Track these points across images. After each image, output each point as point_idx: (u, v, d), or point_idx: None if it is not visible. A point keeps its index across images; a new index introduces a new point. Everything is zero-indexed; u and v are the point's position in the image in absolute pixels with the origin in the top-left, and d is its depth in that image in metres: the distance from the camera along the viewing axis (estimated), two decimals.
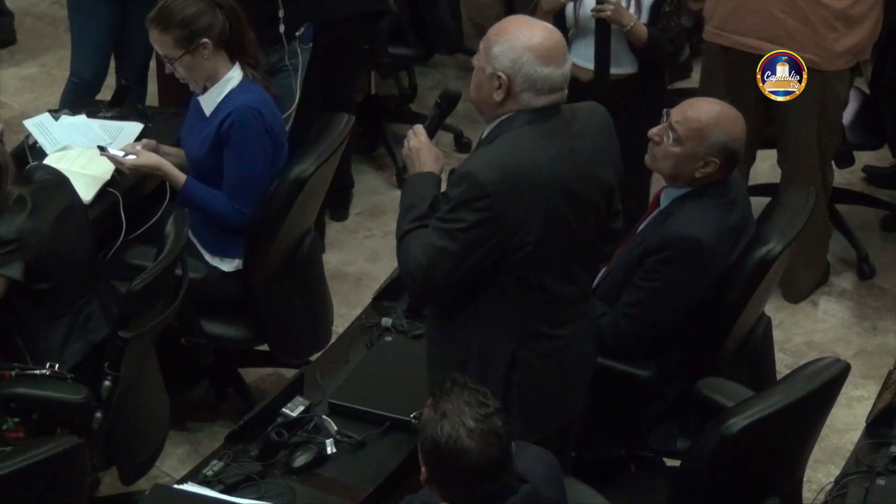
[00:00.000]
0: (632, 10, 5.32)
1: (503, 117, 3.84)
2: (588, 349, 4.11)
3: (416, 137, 3.99)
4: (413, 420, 4.03)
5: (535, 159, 3.79)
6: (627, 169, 4.10)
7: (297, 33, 5.45)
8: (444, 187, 3.92)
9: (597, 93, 4.87)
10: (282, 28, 5.36)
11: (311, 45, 5.58)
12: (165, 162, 4.89)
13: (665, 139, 4.33)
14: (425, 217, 3.85)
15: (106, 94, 5.90)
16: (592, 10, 5.25)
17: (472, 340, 3.92)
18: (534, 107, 3.81)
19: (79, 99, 5.81)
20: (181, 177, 4.86)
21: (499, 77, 3.79)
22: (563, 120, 3.87)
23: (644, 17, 5.35)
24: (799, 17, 5.42)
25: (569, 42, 4.98)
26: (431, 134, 4.03)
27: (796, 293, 5.90)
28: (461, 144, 6.83)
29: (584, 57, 5.31)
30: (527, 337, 3.92)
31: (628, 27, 5.28)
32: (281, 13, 5.35)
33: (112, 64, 6.19)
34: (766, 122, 5.73)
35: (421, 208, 3.87)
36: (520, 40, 3.79)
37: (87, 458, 3.91)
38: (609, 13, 5.24)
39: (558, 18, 5.27)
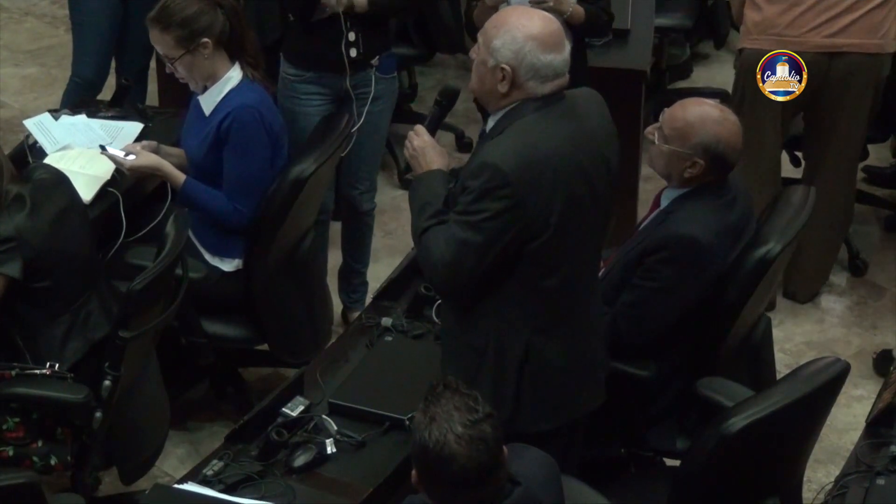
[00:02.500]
0: None
1: (509, 107, 3.84)
2: (598, 342, 4.10)
3: (420, 137, 3.99)
4: (407, 421, 4.03)
5: (552, 143, 3.80)
6: None
7: (373, 62, 5.28)
8: None
9: None
10: (353, 53, 5.20)
11: (394, 75, 5.43)
12: (165, 162, 4.88)
13: (656, 138, 4.34)
14: (442, 213, 3.85)
15: (106, 94, 5.91)
16: (532, 3, 5.16)
17: (490, 330, 3.92)
18: (540, 94, 3.82)
19: (80, 99, 5.82)
20: (180, 177, 4.86)
21: (502, 69, 3.79)
22: (568, 104, 3.88)
23: None
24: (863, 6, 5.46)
25: None
26: (433, 132, 4.03)
27: (806, 292, 5.89)
28: (462, 144, 6.83)
29: None
30: (541, 326, 3.92)
31: (567, 13, 5.24)
32: (352, 36, 5.18)
33: (112, 64, 6.20)
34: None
35: (436, 205, 3.88)
36: (520, 30, 3.79)
37: (43, 496, 3.89)
38: (551, 3, 5.18)
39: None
